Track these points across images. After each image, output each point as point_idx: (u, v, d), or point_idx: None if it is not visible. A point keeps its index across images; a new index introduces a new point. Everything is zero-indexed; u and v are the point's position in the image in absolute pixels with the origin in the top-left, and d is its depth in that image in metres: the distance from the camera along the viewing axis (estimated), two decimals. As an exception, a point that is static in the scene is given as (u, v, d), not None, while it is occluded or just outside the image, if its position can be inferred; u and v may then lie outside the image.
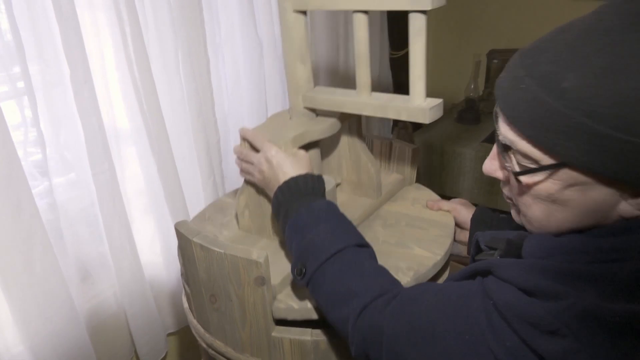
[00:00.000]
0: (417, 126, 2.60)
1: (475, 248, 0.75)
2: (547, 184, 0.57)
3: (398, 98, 0.86)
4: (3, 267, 1.09)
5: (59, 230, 1.24)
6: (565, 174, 0.55)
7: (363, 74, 0.87)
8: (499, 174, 0.65)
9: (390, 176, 1.09)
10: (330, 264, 0.70)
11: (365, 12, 0.83)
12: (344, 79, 2.00)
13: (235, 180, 1.65)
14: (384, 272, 0.73)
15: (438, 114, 0.83)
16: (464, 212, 0.97)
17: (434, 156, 2.38)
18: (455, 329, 0.58)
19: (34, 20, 1.09)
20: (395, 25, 2.30)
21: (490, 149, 0.67)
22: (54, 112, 1.17)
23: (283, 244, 0.89)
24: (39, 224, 1.12)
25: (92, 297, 1.39)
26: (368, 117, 2.28)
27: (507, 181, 0.65)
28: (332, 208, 0.78)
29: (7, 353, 1.19)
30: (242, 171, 0.90)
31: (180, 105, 1.38)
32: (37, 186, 1.19)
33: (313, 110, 0.91)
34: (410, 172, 1.08)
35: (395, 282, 0.72)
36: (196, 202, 1.49)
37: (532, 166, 0.57)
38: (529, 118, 0.55)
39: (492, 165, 0.65)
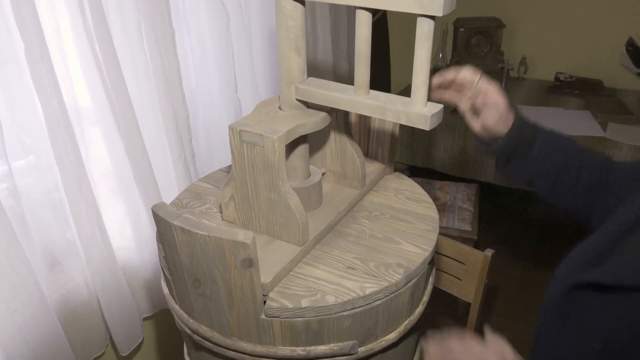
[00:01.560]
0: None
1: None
2: None
3: (397, 100, 0.83)
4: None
5: (22, 217, 1.17)
6: None
7: (362, 72, 0.84)
8: None
9: (372, 165, 1.07)
10: None
11: (369, 9, 0.79)
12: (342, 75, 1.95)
13: (206, 159, 1.59)
14: None
15: (438, 120, 0.81)
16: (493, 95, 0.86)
17: (404, 127, 2.37)
18: None
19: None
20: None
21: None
22: (9, 91, 1.09)
23: (271, 239, 0.86)
24: (0, 211, 1.05)
25: (62, 285, 1.32)
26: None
27: None
28: None
29: (-26, 351, 1.13)
30: None
31: (146, 81, 1.30)
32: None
33: (305, 102, 0.88)
34: (389, 151, 1.06)
35: None
36: (167, 182, 1.43)
37: None
38: None
39: None
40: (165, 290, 0.91)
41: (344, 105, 0.85)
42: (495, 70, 2.53)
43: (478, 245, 2.39)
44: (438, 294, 1.46)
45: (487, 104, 0.85)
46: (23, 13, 1.02)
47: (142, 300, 1.50)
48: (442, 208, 2.05)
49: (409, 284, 0.82)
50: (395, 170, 1.11)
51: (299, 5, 0.80)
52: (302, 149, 0.90)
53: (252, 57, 1.62)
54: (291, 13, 0.80)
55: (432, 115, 0.77)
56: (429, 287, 0.93)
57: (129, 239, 1.42)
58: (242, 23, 1.56)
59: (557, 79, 2.53)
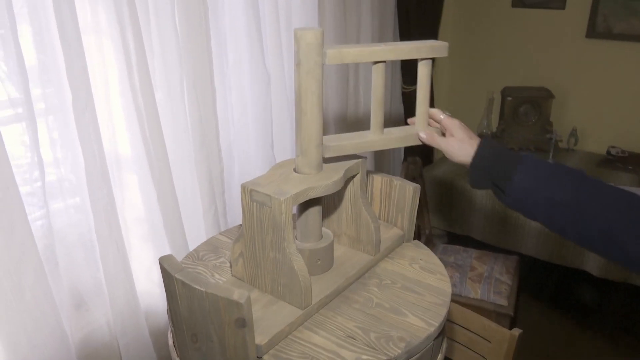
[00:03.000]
0: (426, 161, 2.57)
1: None
2: None
3: (406, 129, 1.00)
4: (-7, 292, 1.07)
5: (54, 256, 1.22)
6: None
7: (378, 115, 0.97)
8: None
9: (390, 231, 1.06)
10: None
11: (384, 62, 0.92)
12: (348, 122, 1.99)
13: (237, 212, 1.62)
14: None
15: None
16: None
17: (443, 192, 2.34)
18: None
19: (39, 43, 1.10)
20: (408, 61, 2.30)
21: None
22: (54, 137, 1.17)
23: (274, 300, 0.86)
24: (33, 249, 1.11)
25: (85, 325, 1.36)
26: (378, 154, 2.26)
27: None
28: None
29: (-6, 382, 1.16)
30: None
31: (184, 134, 1.37)
32: (33, 212, 1.18)
33: (323, 161, 0.91)
34: (409, 218, 1.05)
35: None
36: (196, 232, 1.46)
37: None
38: None
39: None
40: (170, 342, 0.91)
41: (376, 146, 0.96)
42: (542, 140, 2.48)
43: (515, 322, 2.27)
44: (462, 372, 1.39)
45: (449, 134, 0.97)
46: (74, 66, 1.11)
47: (161, 347, 1.51)
48: (477, 279, 1.97)
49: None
50: (433, 236, 1.10)
51: (321, 67, 0.83)
52: (316, 211, 0.91)
53: (290, 116, 1.67)
54: (320, 77, 0.84)
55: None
56: (437, 365, 0.88)
57: (155, 285, 1.45)
58: (283, 83, 1.62)
59: (608, 152, 2.44)
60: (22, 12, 1.08)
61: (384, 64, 0.92)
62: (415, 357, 0.79)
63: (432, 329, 0.82)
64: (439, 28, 2.52)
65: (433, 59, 0.96)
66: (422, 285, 0.93)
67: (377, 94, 0.95)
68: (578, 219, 0.81)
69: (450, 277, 1.96)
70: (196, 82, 1.35)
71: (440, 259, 2.02)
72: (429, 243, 2.14)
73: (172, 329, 0.86)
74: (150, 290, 1.45)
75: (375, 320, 0.84)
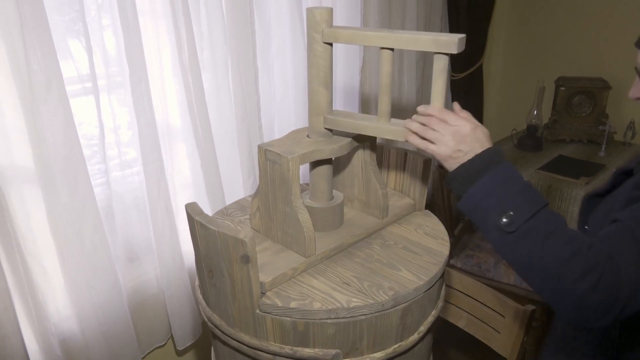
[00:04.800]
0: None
1: None
2: None
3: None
4: (59, 238, 1.25)
5: (112, 213, 1.40)
6: None
7: (385, 103, 0.95)
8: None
9: (402, 200, 1.14)
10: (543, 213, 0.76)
11: (392, 49, 0.90)
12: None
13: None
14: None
15: None
16: None
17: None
18: None
19: (104, 26, 1.27)
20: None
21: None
22: (115, 107, 1.34)
23: (284, 249, 0.97)
24: (92, 204, 1.28)
25: (136, 277, 1.53)
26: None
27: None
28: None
29: (57, 315, 1.35)
30: (426, 139, 0.87)
31: (228, 109, 1.51)
32: (94, 172, 1.35)
33: (331, 130, 0.99)
34: (421, 189, 1.12)
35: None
36: (236, 198, 1.60)
37: None
38: None
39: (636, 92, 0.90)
40: (196, 282, 1.05)
41: (368, 131, 0.96)
42: (596, 132, 2.42)
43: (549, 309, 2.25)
44: (476, 344, 1.44)
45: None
46: (132, 46, 1.27)
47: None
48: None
49: (397, 307, 0.87)
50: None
51: (328, 46, 0.92)
52: (326, 173, 1.01)
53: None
54: (321, 54, 0.93)
55: None
56: (429, 320, 0.96)
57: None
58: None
59: (667, 147, 2.34)
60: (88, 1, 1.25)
61: (390, 51, 0.91)
62: (402, 305, 0.87)
63: (422, 283, 0.89)
64: (491, 16, 2.51)
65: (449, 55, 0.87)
66: (422, 247, 1.00)
67: (383, 80, 0.93)
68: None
69: (485, 262, 1.99)
70: (240, 61, 1.48)
71: (478, 245, 2.05)
72: (469, 227, 2.17)
73: (197, 269, 0.99)
74: (193, 250, 1.60)
75: (371, 272, 0.93)
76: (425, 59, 2.18)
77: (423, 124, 0.88)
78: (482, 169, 0.80)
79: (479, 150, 0.82)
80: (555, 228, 0.76)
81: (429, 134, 0.86)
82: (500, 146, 0.95)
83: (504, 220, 0.76)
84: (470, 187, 0.79)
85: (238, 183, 1.59)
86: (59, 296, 1.34)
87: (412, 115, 0.91)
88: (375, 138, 1.03)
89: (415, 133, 0.89)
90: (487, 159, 0.81)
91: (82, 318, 1.36)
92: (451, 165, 0.83)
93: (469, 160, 0.81)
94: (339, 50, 1.82)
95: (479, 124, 0.86)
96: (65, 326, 1.35)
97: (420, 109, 0.90)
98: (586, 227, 0.99)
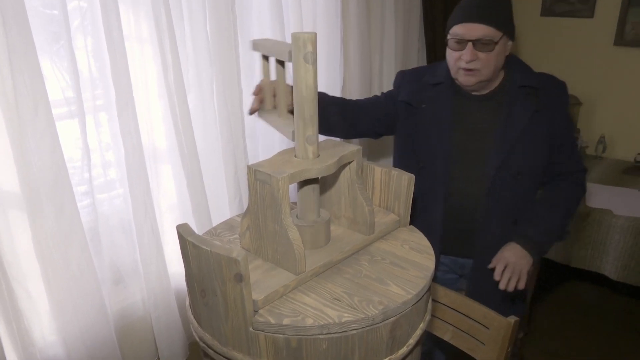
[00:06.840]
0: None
1: None
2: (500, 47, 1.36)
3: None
4: (45, 263, 1.25)
5: (98, 236, 1.40)
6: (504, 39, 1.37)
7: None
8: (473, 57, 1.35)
9: (387, 216, 1.17)
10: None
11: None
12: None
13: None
14: None
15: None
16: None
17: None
18: None
19: (89, 51, 1.28)
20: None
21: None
22: (100, 131, 1.35)
23: (274, 267, 0.99)
24: (79, 227, 1.28)
25: (122, 300, 1.52)
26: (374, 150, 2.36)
27: (475, 58, 1.35)
28: None
29: (42, 340, 1.34)
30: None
31: (213, 130, 1.53)
32: (80, 196, 1.35)
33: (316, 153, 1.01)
34: (405, 205, 1.15)
35: None
36: (223, 219, 1.61)
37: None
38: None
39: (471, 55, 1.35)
40: (187, 302, 1.05)
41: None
42: (569, 147, 2.50)
43: (530, 321, 2.30)
44: (462, 356, 1.46)
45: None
46: (119, 70, 1.28)
47: (188, 322, 1.66)
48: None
49: (387, 321, 0.89)
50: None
51: (312, 66, 0.95)
52: (313, 192, 1.03)
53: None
54: (308, 73, 0.96)
55: None
56: (418, 332, 0.98)
57: (185, 267, 1.60)
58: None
59: (636, 160, 2.44)
60: (75, 24, 1.27)
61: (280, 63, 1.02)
62: (391, 319, 0.90)
63: (410, 296, 0.92)
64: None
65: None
66: (409, 262, 1.03)
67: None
68: None
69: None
70: (225, 83, 1.51)
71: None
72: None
73: (188, 289, 1.00)
74: (180, 271, 1.60)
75: (360, 287, 0.95)
76: (404, 47, 2.23)
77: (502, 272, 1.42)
78: (538, 249, 1.47)
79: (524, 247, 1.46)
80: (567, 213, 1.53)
81: (512, 274, 1.42)
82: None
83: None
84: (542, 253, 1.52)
85: (224, 203, 1.61)
86: (44, 321, 1.32)
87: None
88: (360, 158, 1.07)
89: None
90: (531, 246, 1.46)
91: (68, 343, 1.35)
92: (533, 257, 1.45)
93: (531, 254, 1.45)
94: (321, 71, 1.86)
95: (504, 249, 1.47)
96: (51, 352, 1.34)
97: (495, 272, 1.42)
98: None
